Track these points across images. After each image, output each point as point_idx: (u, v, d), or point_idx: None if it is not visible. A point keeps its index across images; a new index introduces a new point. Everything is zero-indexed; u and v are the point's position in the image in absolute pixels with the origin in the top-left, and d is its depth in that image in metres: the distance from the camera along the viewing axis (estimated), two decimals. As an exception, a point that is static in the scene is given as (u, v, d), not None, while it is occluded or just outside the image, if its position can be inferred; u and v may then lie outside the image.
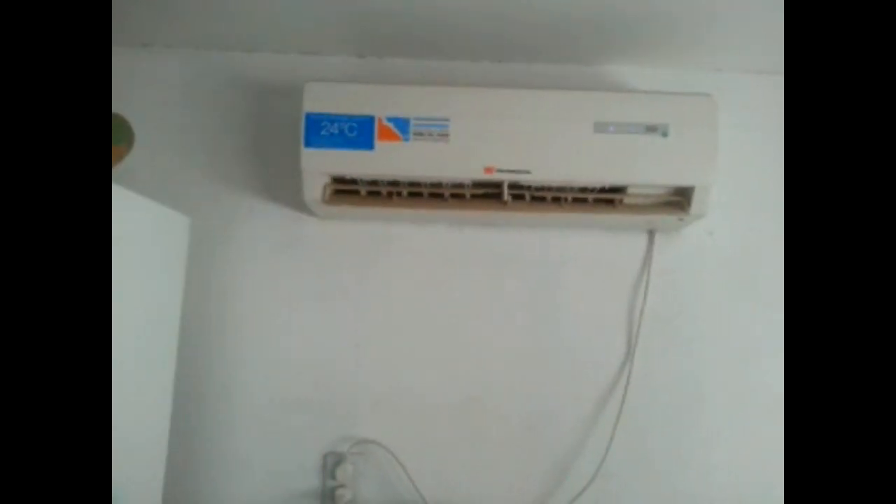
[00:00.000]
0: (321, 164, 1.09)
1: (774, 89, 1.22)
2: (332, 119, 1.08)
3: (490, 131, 1.07)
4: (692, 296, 1.21)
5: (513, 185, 1.10)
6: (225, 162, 1.24)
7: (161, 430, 1.02)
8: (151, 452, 1.00)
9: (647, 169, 1.08)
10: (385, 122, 1.08)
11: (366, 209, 1.15)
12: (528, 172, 1.07)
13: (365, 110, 1.08)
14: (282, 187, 1.20)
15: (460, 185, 1.11)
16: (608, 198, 1.12)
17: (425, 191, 1.12)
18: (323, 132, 1.08)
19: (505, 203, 1.11)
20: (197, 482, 1.16)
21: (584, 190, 1.11)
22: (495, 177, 1.08)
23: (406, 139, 1.07)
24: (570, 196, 1.12)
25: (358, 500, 1.15)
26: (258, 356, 1.19)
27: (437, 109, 1.07)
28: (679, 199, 1.11)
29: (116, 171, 1.01)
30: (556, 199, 1.13)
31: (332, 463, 1.16)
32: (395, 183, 1.11)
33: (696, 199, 1.09)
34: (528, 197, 1.12)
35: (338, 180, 1.12)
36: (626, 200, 1.12)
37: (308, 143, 1.08)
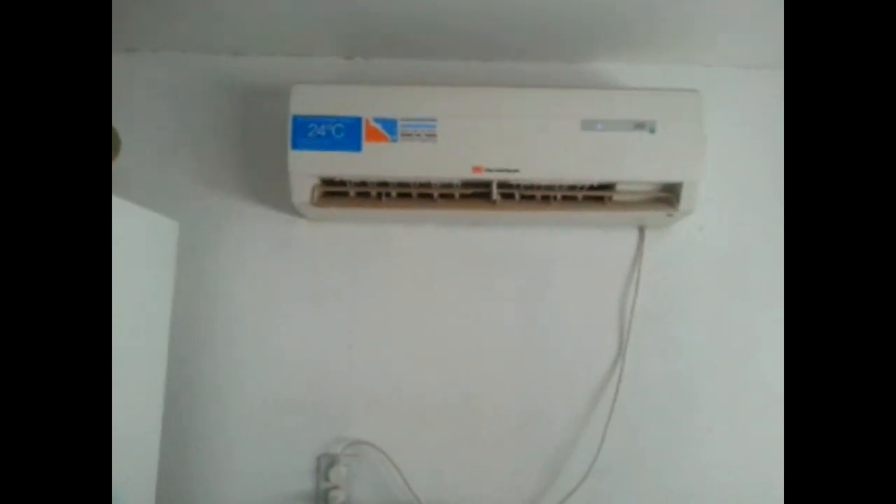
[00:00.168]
0: (309, 166, 1.09)
1: (763, 84, 1.23)
2: (320, 121, 1.08)
3: (478, 130, 1.07)
4: (683, 292, 1.21)
5: (502, 185, 1.10)
6: (213, 165, 1.23)
7: (153, 433, 1.02)
8: (144, 455, 1.00)
9: (635, 166, 1.08)
10: (372, 123, 1.08)
11: (355, 210, 1.15)
12: (516, 171, 1.07)
13: (352, 111, 1.07)
14: (271, 190, 1.20)
15: (449, 185, 1.11)
16: (597, 195, 1.12)
17: (414, 191, 1.12)
18: (310, 134, 1.08)
19: (494, 202, 1.11)
20: (190, 484, 1.16)
21: (573, 188, 1.11)
22: (484, 176, 1.08)
23: (394, 140, 1.07)
24: (559, 194, 1.12)
25: (352, 502, 1.15)
26: (250, 358, 1.19)
27: (424, 109, 1.07)
28: (668, 196, 1.11)
29: (103, 176, 1.01)
30: (546, 198, 1.13)
31: (325, 464, 1.16)
32: (383, 184, 1.11)
33: (685, 195, 1.09)
34: (517, 196, 1.12)
35: (326, 182, 1.12)
36: (616, 197, 1.12)
37: (295, 146, 1.07)
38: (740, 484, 1.15)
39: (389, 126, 1.07)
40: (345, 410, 1.18)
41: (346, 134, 1.07)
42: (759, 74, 1.23)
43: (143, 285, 1.00)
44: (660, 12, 1.08)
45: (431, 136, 1.07)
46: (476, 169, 1.07)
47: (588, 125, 1.07)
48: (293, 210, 1.16)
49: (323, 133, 1.08)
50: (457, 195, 1.12)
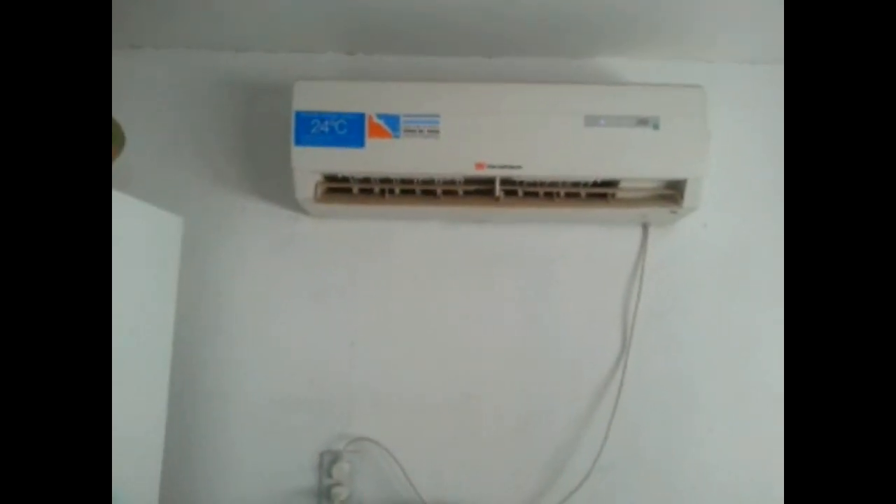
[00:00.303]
0: (312, 163, 1.08)
1: (767, 79, 1.22)
2: (323, 117, 1.08)
3: (480, 127, 1.07)
4: (687, 289, 1.20)
5: (505, 181, 1.09)
6: (217, 162, 1.23)
7: (157, 431, 1.02)
8: (148, 453, 1.00)
9: (638, 162, 1.07)
10: (375, 120, 1.08)
11: (358, 207, 1.15)
12: (519, 167, 1.07)
13: (355, 108, 1.07)
14: (274, 186, 1.20)
15: (452, 182, 1.11)
16: (600, 192, 1.12)
17: (417, 188, 1.12)
18: (313, 130, 1.08)
19: (497, 199, 1.11)
20: (193, 482, 1.16)
21: (576, 184, 1.11)
22: (487, 172, 1.07)
23: (397, 136, 1.07)
24: (562, 191, 1.12)
25: (354, 498, 1.16)
26: (253, 355, 1.19)
27: (427, 106, 1.07)
28: (672, 192, 1.11)
29: (107, 172, 1.01)
30: (549, 194, 1.12)
31: (328, 461, 1.16)
32: (386, 180, 1.11)
33: (689, 191, 1.08)
34: (520, 192, 1.12)
35: (329, 178, 1.12)
36: (619, 194, 1.12)
37: (298, 142, 1.07)
38: (742, 482, 1.14)
39: (392, 122, 1.07)
40: (347, 407, 1.18)
41: (349, 130, 1.07)
42: (763, 70, 1.22)
43: (147, 282, 1.00)
44: (663, 7, 1.07)
45: (434, 132, 1.07)
46: (479, 165, 1.07)
47: (591, 121, 1.06)
48: (296, 206, 1.16)
49: (326, 129, 1.08)
50: (460, 192, 1.12)
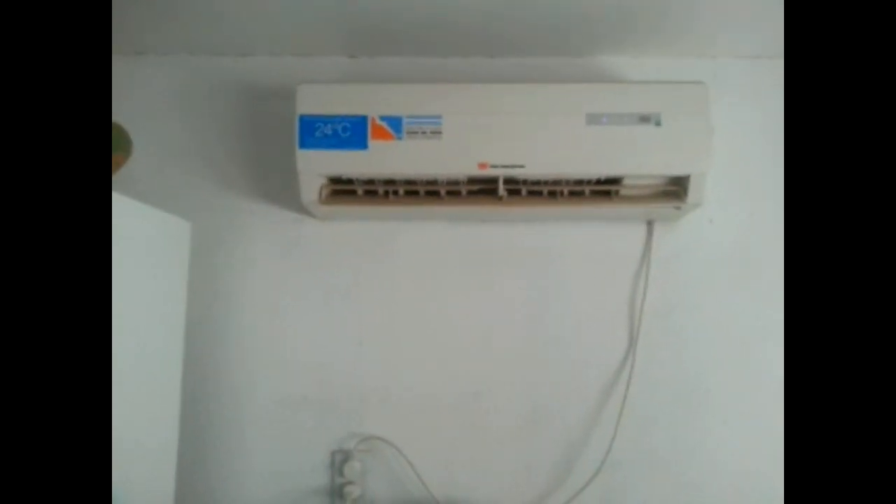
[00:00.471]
0: (316, 166, 1.10)
1: (770, 74, 1.22)
2: (326, 120, 1.09)
3: (483, 127, 1.07)
4: (693, 285, 1.20)
5: (508, 180, 1.10)
6: (223, 166, 1.25)
7: (171, 433, 1.04)
8: (162, 454, 1.02)
9: (641, 159, 1.07)
10: (378, 122, 1.08)
11: (363, 208, 1.16)
12: (521, 167, 1.08)
13: (357, 110, 1.08)
14: (280, 189, 1.21)
15: (455, 182, 1.12)
16: (604, 189, 1.12)
17: (421, 189, 1.13)
18: (317, 133, 1.09)
19: (501, 198, 1.12)
20: (208, 481, 1.18)
21: (579, 182, 1.11)
22: (489, 172, 1.08)
23: (399, 137, 1.08)
24: (565, 189, 1.12)
25: (367, 496, 1.17)
26: (263, 356, 1.21)
27: (429, 107, 1.08)
28: (675, 189, 1.11)
29: (116, 178, 1.03)
30: (552, 193, 1.13)
31: (339, 460, 1.17)
32: (390, 181, 1.12)
33: (692, 187, 1.08)
34: (523, 191, 1.12)
35: (334, 181, 1.13)
36: (622, 192, 1.12)
37: (303, 145, 1.08)
38: (752, 476, 1.15)
39: (395, 124, 1.08)
40: (357, 407, 1.19)
41: (353, 132, 1.08)
42: (766, 65, 1.22)
43: (158, 286, 1.02)
44: (664, 5, 1.07)
45: (437, 133, 1.07)
46: (482, 165, 1.08)
47: (593, 119, 1.06)
48: (302, 209, 1.17)
49: (329, 132, 1.09)
50: (463, 192, 1.13)
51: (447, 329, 1.21)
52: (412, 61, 1.25)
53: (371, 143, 1.08)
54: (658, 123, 1.06)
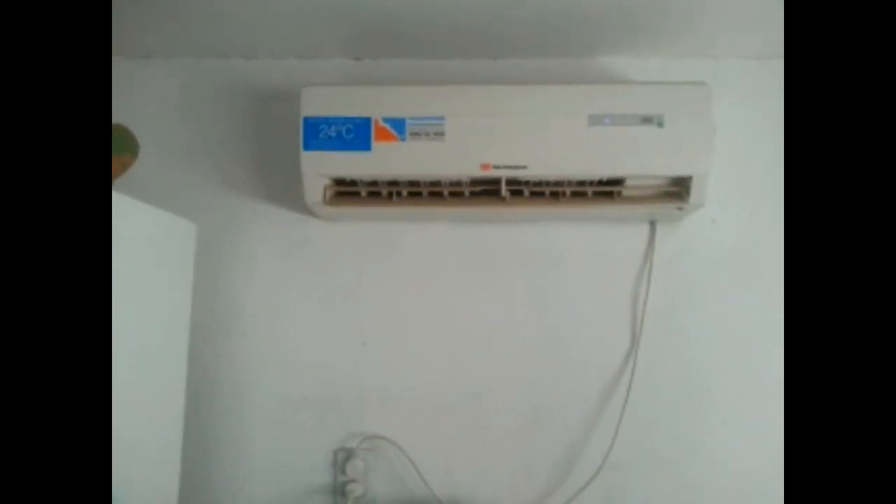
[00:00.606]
0: (320, 167, 1.10)
1: (772, 74, 1.21)
2: (330, 122, 1.10)
3: (485, 128, 1.08)
4: (696, 285, 1.20)
5: (510, 181, 1.10)
6: (228, 168, 1.26)
7: (175, 432, 1.05)
8: (166, 453, 1.03)
9: (643, 160, 1.07)
10: (381, 123, 1.09)
11: (366, 209, 1.17)
12: (524, 168, 1.08)
13: (361, 112, 1.09)
14: (284, 190, 1.22)
15: (458, 183, 1.12)
16: (606, 190, 1.12)
17: (424, 190, 1.14)
18: (321, 135, 1.10)
19: (504, 199, 1.12)
20: (211, 481, 1.19)
21: (581, 183, 1.11)
22: (492, 173, 1.08)
23: (402, 139, 1.09)
24: (568, 190, 1.12)
25: (369, 495, 1.18)
26: (267, 356, 1.22)
27: (431, 108, 1.08)
28: (678, 189, 1.11)
29: (122, 180, 1.04)
30: (555, 194, 1.13)
31: (342, 459, 1.18)
32: (394, 183, 1.13)
33: (695, 188, 1.08)
34: (526, 192, 1.13)
35: (338, 182, 1.14)
36: (625, 192, 1.12)
37: (307, 146, 1.09)
38: (754, 476, 1.14)
39: (398, 125, 1.09)
40: (359, 406, 1.20)
41: (356, 134, 1.09)
42: (768, 65, 1.21)
43: (163, 286, 1.03)
44: (665, 5, 1.07)
45: (439, 134, 1.08)
46: (484, 166, 1.08)
47: (595, 120, 1.07)
48: (306, 210, 1.18)
49: (333, 134, 1.09)
50: (466, 193, 1.14)
51: (449, 329, 1.21)
52: (415, 63, 1.26)
53: (374, 144, 1.09)
54: (660, 124, 1.06)
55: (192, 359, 1.09)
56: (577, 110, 1.07)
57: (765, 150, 1.21)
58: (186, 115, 1.27)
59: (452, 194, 1.14)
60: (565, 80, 1.16)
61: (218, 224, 1.23)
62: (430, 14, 1.11)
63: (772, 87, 1.21)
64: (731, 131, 1.16)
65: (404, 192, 1.14)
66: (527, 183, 1.11)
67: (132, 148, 1.10)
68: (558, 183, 1.11)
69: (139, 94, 1.26)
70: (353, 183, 1.14)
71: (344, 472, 1.17)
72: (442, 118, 1.08)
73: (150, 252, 0.99)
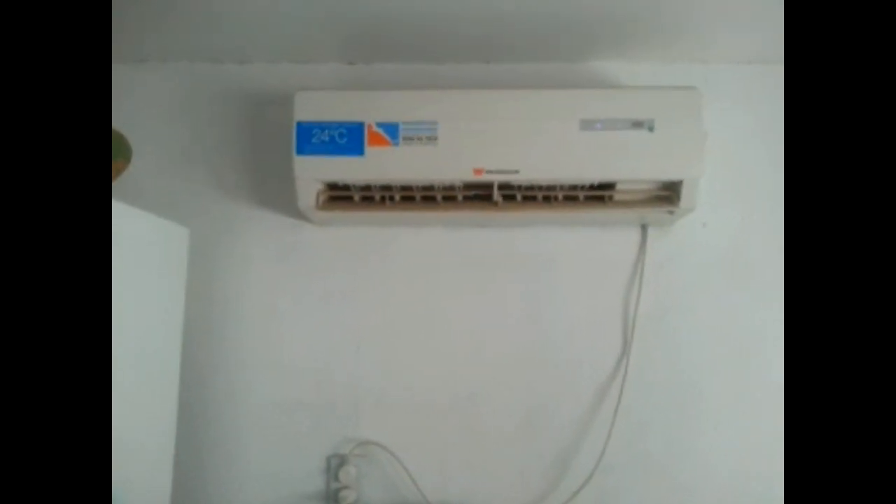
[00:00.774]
0: (313, 172, 1.11)
1: (762, 78, 1.23)
2: (323, 126, 1.10)
3: (478, 133, 1.08)
4: (687, 288, 1.21)
5: (503, 186, 1.11)
6: (221, 172, 1.26)
7: (168, 437, 1.05)
8: (159, 458, 1.03)
9: (634, 165, 1.08)
10: (375, 128, 1.10)
11: (359, 214, 1.17)
12: (516, 172, 1.08)
13: (354, 117, 1.09)
14: (278, 195, 1.22)
15: (451, 188, 1.13)
16: (598, 195, 1.13)
17: (417, 194, 1.14)
18: (314, 140, 1.10)
19: (496, 203, 1.13)
20: (204, 485, 1.18)
21: (573, 188, 1.12)
22: (485, 178, 1.09)
23: (396, 144, 1.09)
24: (560, 194, 1.13)
25: (362, 501, 1.17)
26: (260, 361, 1.22)
27: (424, 113, 1.09)
28: (668, 194, 1.12)
29: (115, 185, 1.04)
30: (547, 198, 1.14)
31: (335, 465, 1.18)
32: (387, 187, 1.13)
33: (685, 192, 1.09)
34: (518, 197, 1.13)
35: (331, 187, 1.14)
36: (616, 197, 1.13)
37: (300, 151, 1.10)
38: (746, 479, 1.15)
39: (391, 130, 1.09)
40: (353, 411, 1.20)
41: (349, 139, 1.09)
42: (758, 69, 1.23)
43: (156, 291, 1.03)
44: (657, 10, 1.08)
45: (432, 139, 1.08)
46: (477, 171, 1.09)
47: (587, 125, 1.07)
48: (299, 214, 1.18)
49: (326, 138, 1.10)
50: (459, 197, 1.14)
51: (443, 333, 1.21)
52: (410, 67, 1.26)
53: (367, 149, 1.09)
54: (651, 129, 1.07)
55: (186, 363, 1.08)
56: (568, 115, 1.08)
57: (755, 154, 1.22)
58: (180, 119, 1.27)
59: (445, 199, 1.14)
60: (558, 85, 1.17)
61: (212, 228, 1.23)
62: (423, 18, 1.11)
63: (762, 91, 1.22)
64: (721, 135, 1.17)
65: (397, 197, 1.14)
66: (519, 187, 1.12)
67: (125, 153, 1.10)
68: (550, 187, 1.12)
69: (133, 98, 1.26)
70: (346, 188, 1.14)
71: (337, 478, 1.16)
72: (435, 123, 1.08)
73: (142, 257, 0.98)
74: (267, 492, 1.18)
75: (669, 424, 1.18)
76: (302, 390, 1.21)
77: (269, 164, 1.24)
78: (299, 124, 1.10)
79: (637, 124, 1.07)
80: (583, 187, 1.12)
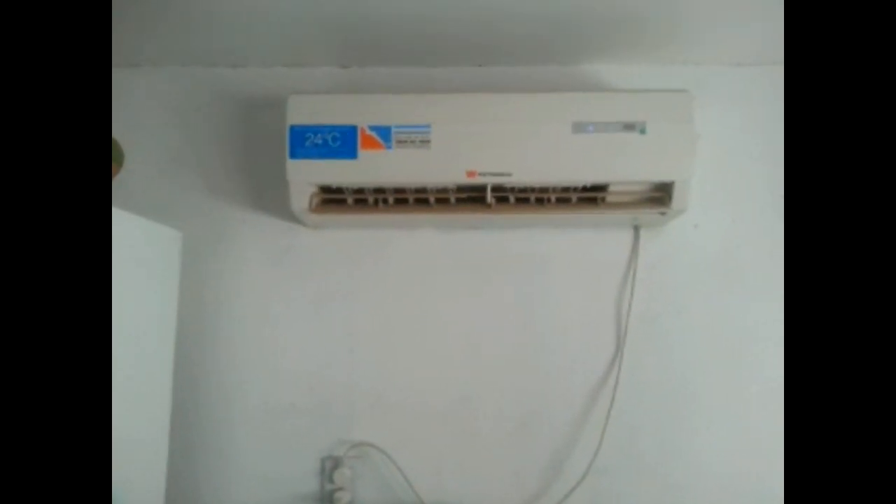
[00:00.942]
0: (307, 175, 1.11)
1: (752, 81, 1.24)
2: (316, 130, 1.10)
3: (471, 135, 1.09)
4: (680, 289, 1.22)
5: (496, 188, 1.11)
6: (214, 176, 1.26)
7: (161, 439, 1.05)
8: (152, 460, 1.03)
9: (626, 167, 1.09)
10: (367, 131, 1.10)
11: (353, 216, 1.17)
12: (509, 175, 1.09)
13: (347, 120, 1.10)
14: (271, 198, 1.23)
15: (444, 190, 1.13)
16: (590, 196, 1.14)
17: (410, 196, 1.14)
18: (307, 143, 1.10)
19: (489, 206, 1.13)
20: (197, 488, 1.18)
21: (566, 189, 1.13)
22: (478, 180, 1.09)
23: (388, 147, 1.09)
24: (553, 196, 1.13)
25: (356, 503, 1.18)
26: (254, 364, 1.22)
27: (417, 116, 1.09)
28: (660, 195, 1.12)
29: (107, 189, 1.04)
30: (540, 200, 1.14)
31: (329, 467, 1.18)
32: (380, 190, 1.13)
33: (677, 194, 1.10)
34: (511, 199, 1.14)
35: (324, 189, 1.15)
36: (609, 198, 1.14)
37: (293, 155, 1.10)
38: (739, 479, 1.16)
39: (384, 133, 1.10)
40: (347, 413, 1.20)
41: (343, 142, 1.10)
42: (750, 71, 1.24)
43: (148, 295, 1.03)
44: (649, 13, 1.09)
45: (425, 142, 1.09)
46: (470, 173, 1.09)
47: (579, 128, 1.08)
48: (293, 217, 1.19)
49: (320, 142, 1.10)
50: (452, 199, 1.14)
51: (437, 335, 1.22)
52: (403, 71, 1.27)
53: (361, 152, 1.09)
54: (643, 131, 1.08)
55: (180, 366, 1.08)
56: (561, 118, 1.08)
57: (746, 155, 1.23)
58: (173, 122, 1.27)
59: (439, 201, 1.15)
60: (550, 88, 1.17)
61: (205, 232, 1.23)
62: (416, 22, 1.12)
63: (753, 93, 1.23)
64: (712, 137, 1.18)
65: (391, 200, 1.15)
66: (512, 189, 1.12)
67: (117, 157, 1.10)
68: (543, 189, 1.12)
69: (126, 102, 1.26)
70: (339, 190, 1.14)
71: (331, 479, 1.16)
72: (428, 126, 1.09)
73: (135, 260, 0.99)
74: (261, 493, 1.18)
75: (662, 425, 1.18)
76: (296, 393, 1.21)
77: (263, 167, 1.24)
78: (292, 127, 1.10)
79: (629, 127, 1.08)
80: (575, 189, 1.13)
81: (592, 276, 1.22)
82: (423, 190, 1.13)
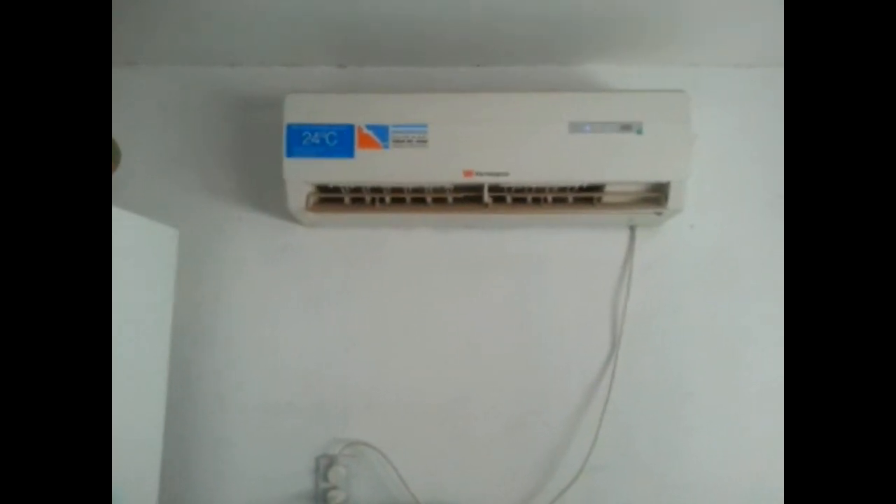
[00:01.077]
0: (303, 174, 1.11)
1: (748, 82, 1.24)
2: (313, 129, 1.10)
3: (468, 135, 1.09)
4: (675, 289, 1.22)
5: (493, 188, 1.11)
6: (211, 174, 1.26)
7: (155, 437, 1.05)
8: (146, 458, 1.03)
9: (623, 167, 1.09)
10: (364, 131, 1.10)
11: (350, 215, 1.17)
12: (506, 174, 1.09)
13: (344, 119, 1.10)
14: (268, 197, 1.23)
15: (441, 190, 1.13)
16: (587, 196, 1.14)
17: (407, 196, 1.15)
18: (304, 142, 1.10)
19: (486, 205, 1.13)
20: (191, 486, 1.18)
21: (563, 189, 1.13)
22: (475, 180, 1.09)
23: (385, 146, 1.09)
24: (549, 196, 1.14)
25: (351, 502, 1.18)
26: (249, 362, 1.22)
27: (414, 116, 1.09)
28: (656, 195, 1.13)
29: (104, 187, 1.04)
30: (536, 200, 1.14)
31: (324, 465, 1.18)
32: (377, 189, 1.14)
33: (673, 194, 1.10)
34: (508, 198, 1.14)
35: (321, 189, 1.15)
36: (605, 198, 1.14)
37: (290, 153, 1.10)
38: (734, 478, 1.16)
39: (381, 133, 1.10)
40: (342, 412, 1.20)
41: (339, 141, 1.10)
42: (747, 73, 1.24)
43: (144, 292, 1.03)
44: (647, 14, 1.09)
45: (422, 141, 1.09)
46: (467, 173, 1.09)
47: (576, 128, 1.08)
48: (289, 216, 1.19)
49: (317, 141, 1.10)
50: (449, 199, 1.14)
51: (433, 334, 1.22)
52: (401, 70, 1.27)
53: (357, 151, 1.10)
54: (639, 132, 1.08)
55: (175, 364, 1.08)
56: (558, 118, 1.08)
57: (742, 156, 1.24)
58: (170, 121, 1.27)
59: (436, 200, 1.15)
60: (548, 88, 1.17)
61: (201, 230, 1.23)
62: (414, 22, 1.12)
63: (750, 94, 1.24)
64: (710, 138, 1.18)
65: (387, 199, 1.15)
66: (509, 189, 1.12)
67: (114, 156, 1.10)
68: (540, 189, 1.12)
69: (123, 101, 1.25)
70: (336, 189, 1.14)
71: (326, 478, 1.16)
72: (425, 126, 1.09)
73: (131, 259, 0.99)
74: (256, 492, 1.18)
75: (657, 424, 1.18)
76: (291, 391, 1.21)
77: (259, 166, 1.24)
78: (289, 126, 1.10)
79: (626, 127, 1.08)
80: (572, 189, 1.13)
81: (589, 276, 1.22)
82: (419, 189, 1.13)
